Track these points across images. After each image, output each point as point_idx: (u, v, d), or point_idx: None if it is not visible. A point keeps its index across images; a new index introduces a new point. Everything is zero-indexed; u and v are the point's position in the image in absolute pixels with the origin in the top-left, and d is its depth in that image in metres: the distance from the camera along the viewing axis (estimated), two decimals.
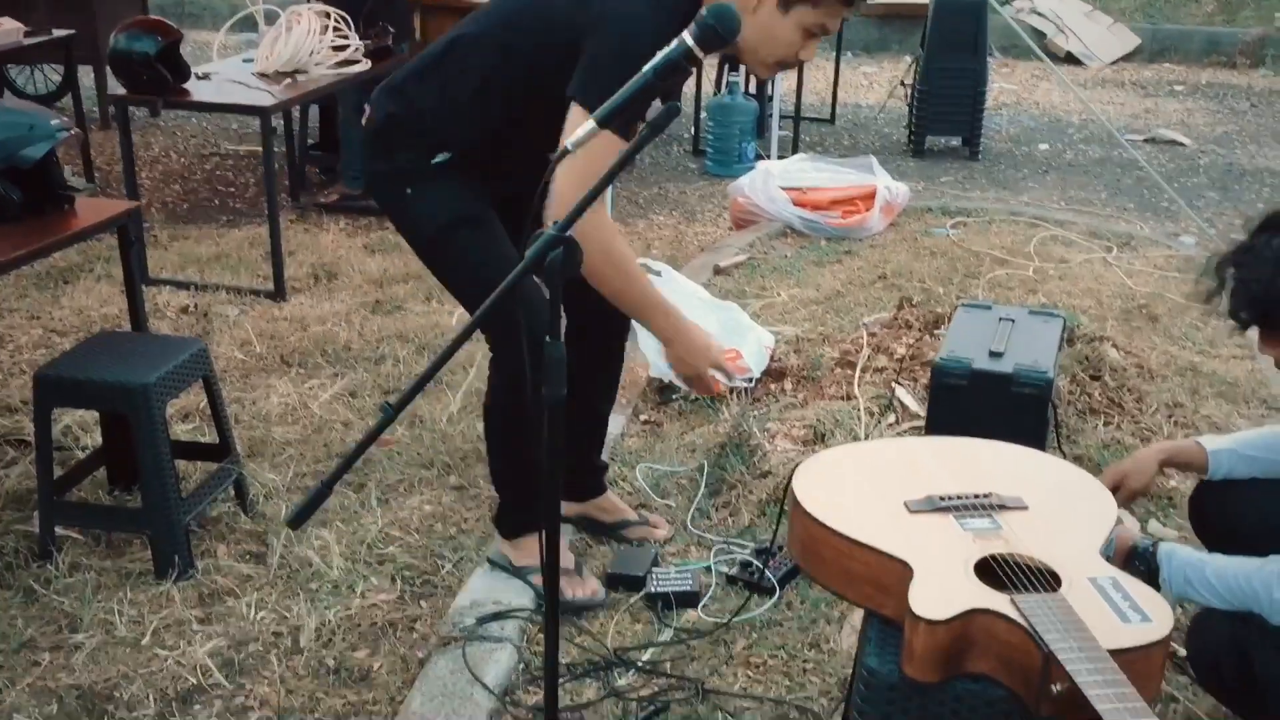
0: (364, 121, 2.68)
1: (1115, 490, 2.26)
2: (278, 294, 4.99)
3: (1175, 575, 2.06)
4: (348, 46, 5.49)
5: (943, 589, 1.63)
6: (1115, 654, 1.51)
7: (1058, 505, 1.86)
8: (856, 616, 2.66)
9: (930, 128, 7.63)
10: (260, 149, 7.40)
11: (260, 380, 4.23)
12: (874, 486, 1.91)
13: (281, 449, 3.73)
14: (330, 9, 5.48)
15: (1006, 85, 9.84)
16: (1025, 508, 1.84)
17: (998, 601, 1.60)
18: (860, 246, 5.36)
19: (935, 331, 3.70)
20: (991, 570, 1.70)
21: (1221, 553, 2.13)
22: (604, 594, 2.76)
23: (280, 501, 3.41)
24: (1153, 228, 6.15)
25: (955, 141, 7.78)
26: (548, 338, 1.81)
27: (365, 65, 5.51)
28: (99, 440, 3.51)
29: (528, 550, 2.82)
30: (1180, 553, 2.08)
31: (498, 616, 2.66)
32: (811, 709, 2.41)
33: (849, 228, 5.43)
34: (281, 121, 6.27)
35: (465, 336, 1.80)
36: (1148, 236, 5.78)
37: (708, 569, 2.87)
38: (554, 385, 1.82)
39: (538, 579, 2.79)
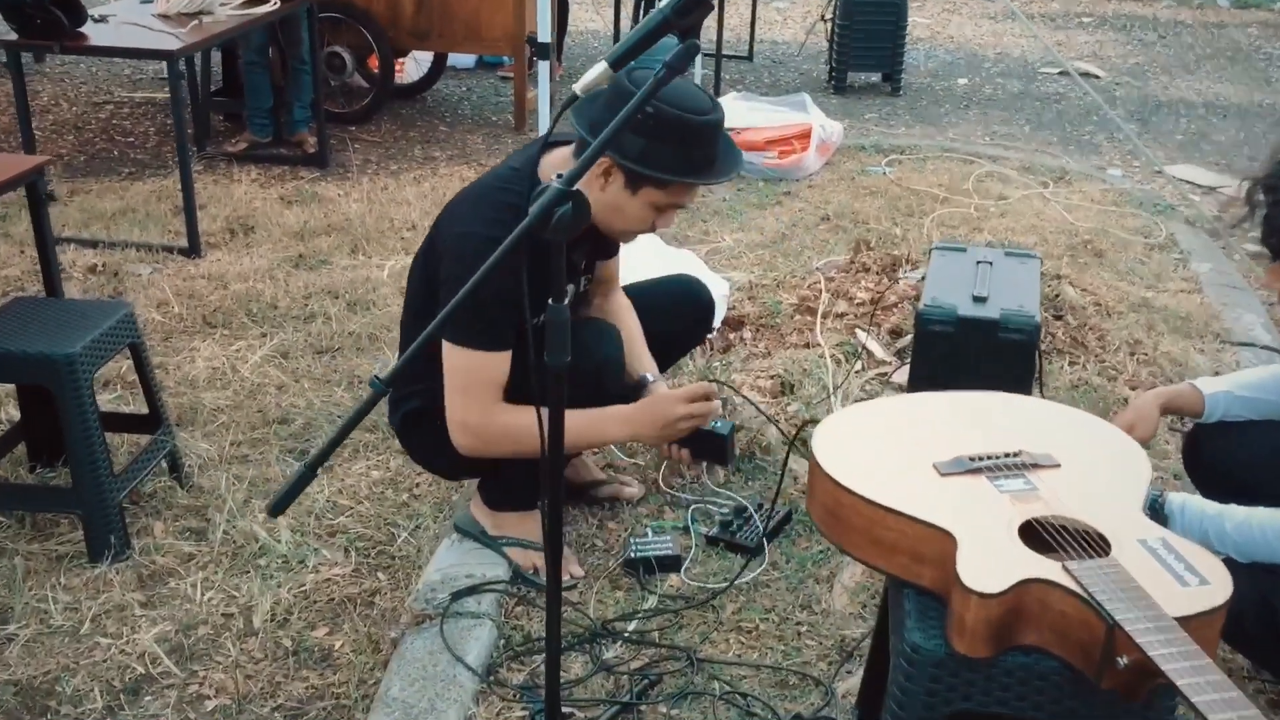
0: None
1: None
2: (192, 250, 4.73)
3: (1191, 528, 1.99)
4: None
5: (992, 559, 1.54)
6: (1179, 622, 1.43)
7: (1090, 462, 1.78)
8: (846, 575, 2.58)
9: (852, 63, 7.53)
10: (157, 95, 7.07)
11: (183, 343, 4.00)
12: (898, 448, 1.80)
13: (213, 416, 3.53)
14: None
15: (919, 19, 9.79)
16: (1058, 465, 1.75)
17: (1051, 570, 1.51)
18: (799, 187, 5.26)
19: (895, 275, 3.62)
20: (1035, 535, 1.61)
21: (1216, 497, 2.08)
22: (582, 571, 2.64)
23: (218, 473, 3.22)
24: (1078, 161, 6.15)
25: (876, 78, 7.71)
26: (550, 301, 1.68)
27: (274, 5, 5.21)
28: (14, 414, 3.27)
29: (505, 522, 2.68)
30: (1193, 504, 2.01)
31: (473, 591, 2.52)
32: (811, 675, 2.32)
33: (786, 168, 5.32)
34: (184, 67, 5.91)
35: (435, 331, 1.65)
36: (1081, 171, 5.78)
37: (685, 529, 2.76)
38: (557, 350, 1.69)
39: (513, 551, 2.65)
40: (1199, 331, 3.74)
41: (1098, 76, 8.13)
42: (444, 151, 6.32)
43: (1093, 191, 5.33)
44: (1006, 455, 1.76)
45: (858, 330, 3.37)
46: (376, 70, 6.78)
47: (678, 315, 2.84)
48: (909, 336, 3.35)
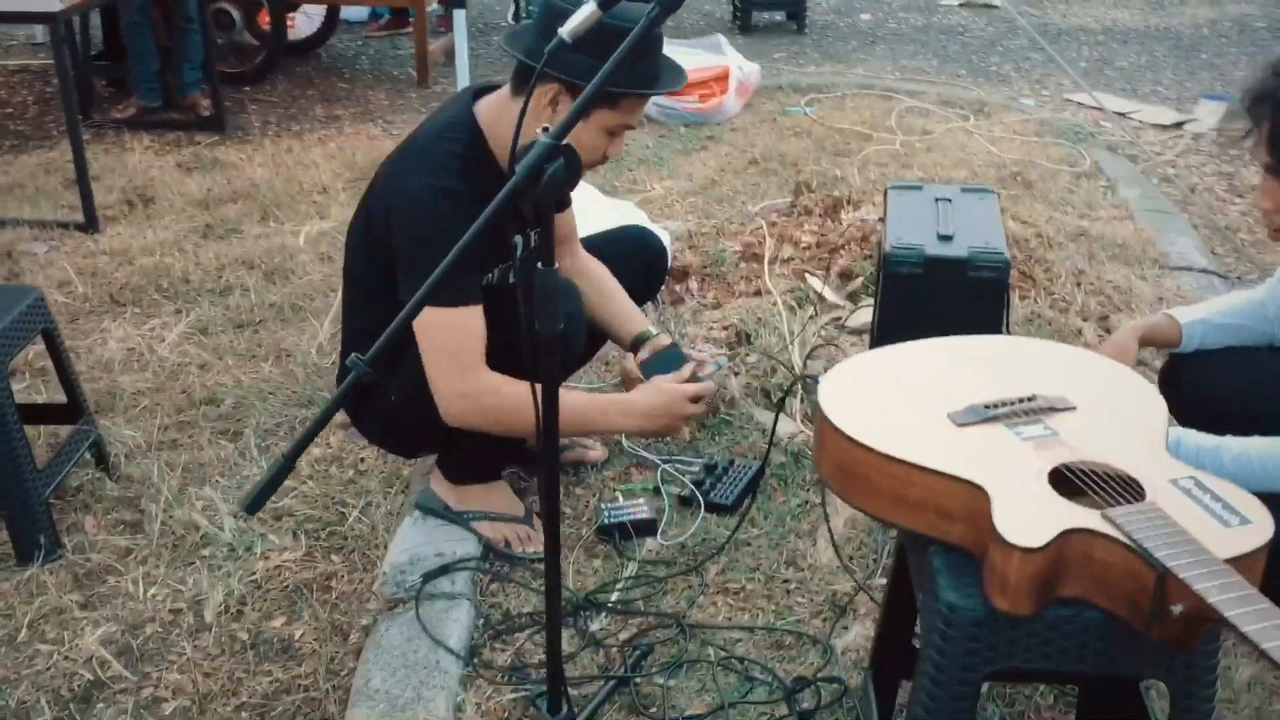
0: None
1: None
2: (89, 225, 4.47)
3: (1187, 462, 1.95)
4: None
5: (1029, 511, 1.47)
6: (1229, 563, 1.38)
7: (1105, 402, 1.72)
8: (828, 528, 2.52)
9: (756, 2, 7.43)
10: (33, 63, 6.66)
11: (91, 324, 3.77)
12: (907, 399, 1.73)
13: (134, 401, 3.34)
14: None
15: None
16: (1074, 408, 1.69)
17: (1092, 519, 1.45)
18: (721, 131, 5.16)
19: (838, 216, 3.55)
20: (1064, 482, 1.55)
21: (1196, 427, 2.05)
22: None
23: (148, 461, 3.03)
24: (990, 92, 6.16)
25: (780, 16, 7.62)
26: (540, 265, 1.56)
27: None
28: None
29: (469, 496, 2.55)
30: (1189, 438, 1.97)
31: (445, 570, 2.40)
32: (806, 633, 2.26)
33: (706, 112, 5.21)
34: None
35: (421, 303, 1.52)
36: (998, 102, 5.78)
37: (656, 490, 2.67)
38: (549, 317, 1.58)
39: (482, 525, 2.53)
40: (1137, 258, 3.75)
41: (996, 7, 8.16)
42: (347, 110, 6.07)
43: (1013, 122, 5.33)
44: (1020, 401, 1.69)
45: (807, 275, 3.30)
46: (267, 27, 6.48)
47: (633, 269, 2.73)
48: (860, 279, 3.30)
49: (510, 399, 2.24)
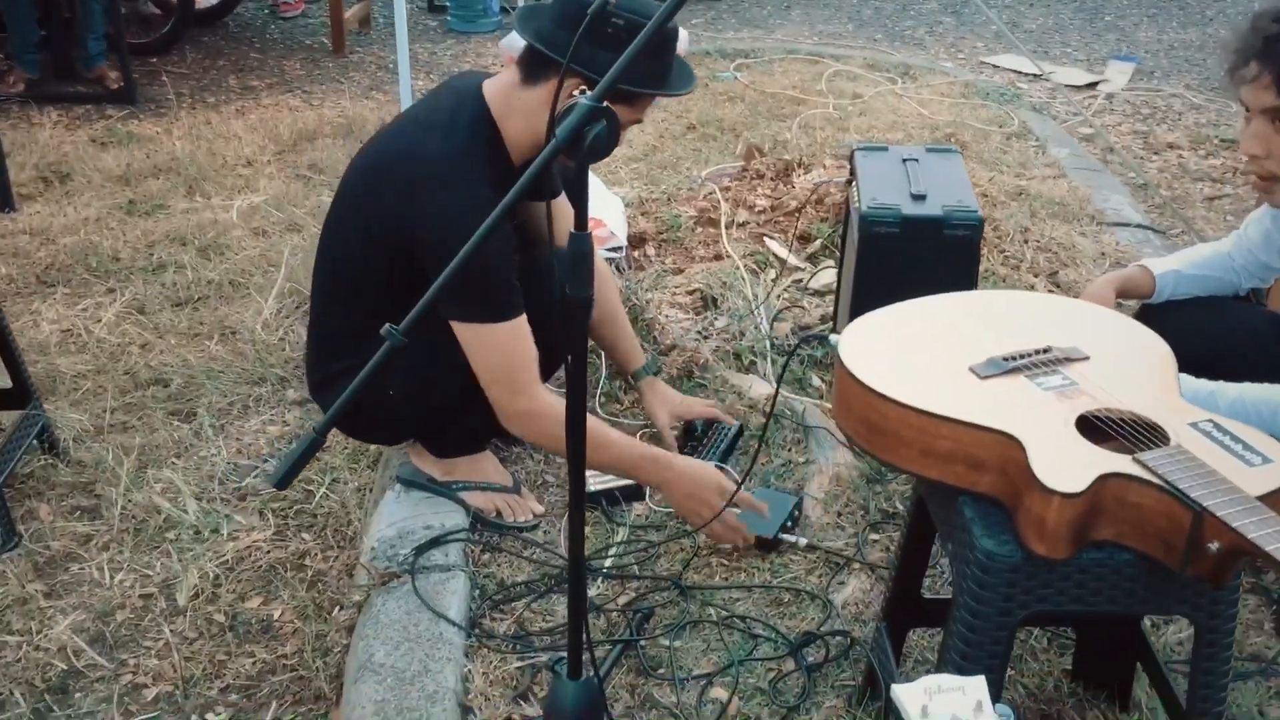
0: None
1: None
2: (4, 204, 4.29)
3: (1202, 396, 2.02)
4: None
5: (1064, 458, 1.51)
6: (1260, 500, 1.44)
7: (1116, 351, 1.77)
8: (814, 485, 2.55)
9: None
10: None
11: (20, 306, 3.63)
12: (926, 353, 1.75)
13: (76, 383, 3.23)
14: None
15: None
16: (1087, 358, 1.73)
17: (1125, 463, 1.50)
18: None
19: (790, 179, 3.57)
20: (1091, 429, 1.59)
21: None
22: (541, 508, 2.51)
23: (100, 445, 2.95)
24: (908, 56, 6.24)
25: None
26: (573, 230, 1.54)
27: None
28: None
29: (455, 467, 2.52)
30: (1187, 384, 2.01)
31: (436, 543, 2.37)
32: (805, 590, 2.28)
33: None
34: None
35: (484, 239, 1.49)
36: (921, 65, 5.86)
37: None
38: (581, 284, 1.55)
39: (473, 496, 2.50)
40: (1075, 215, 3.85)
41: None
42: (262, 80, 5.91)
43: (939, 85, 5.42)
44: (1037, 352, 1.73)
45: (765, 238, 3.31)
46: None
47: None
48: (819, 241, 3.33)
49: (558, 423, 2.22)
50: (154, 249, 3.98)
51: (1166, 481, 1.46)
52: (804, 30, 6.80)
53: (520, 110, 2.19)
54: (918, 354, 1.76)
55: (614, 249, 3.22)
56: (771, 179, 3.61)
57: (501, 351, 2.20)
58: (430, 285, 2.14)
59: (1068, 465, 1.49)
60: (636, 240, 3.47)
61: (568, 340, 1.58)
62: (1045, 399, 1.64)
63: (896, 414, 1.62)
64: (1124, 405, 1.63)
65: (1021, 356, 1.72)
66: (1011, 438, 1.54)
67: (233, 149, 4.85)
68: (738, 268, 3.19)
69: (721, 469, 2.45)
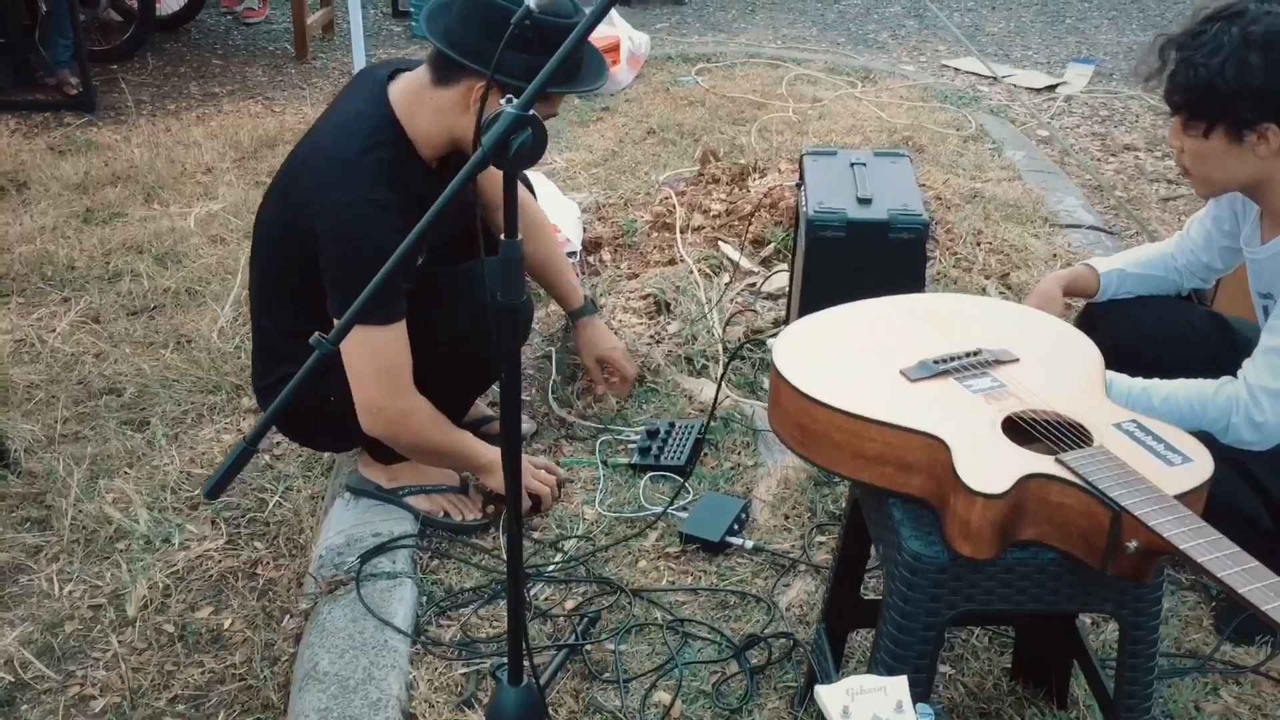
0: None
1: None
2: None
3: (1118, 403, 2.05)
4: None
5: (988, 459, 1.53)
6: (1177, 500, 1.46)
7: (1045, 353, 1.79)
8: (763, 488, 2.57)
9: None
10: None
11: None
12: (859, 357, 1.77)
13: (28, 394, 3.21)
14: None
15: None
16: (1017, 360, 1.76)
17: (1047, 464, 1.52)
18: (615, 102, 5.16)
19: (745, 184, 3.59)
20: (1016, 431, 1.61)
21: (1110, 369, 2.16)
22: (485, 513, 2.52)
23: (50, 455, 2.93)
24: (869, 59, 6.27)
25: None
26: (502, 237, 1.55)
27: None
28: None
29: (400, 472, 2.53)
30: (1119, 381, 2.07)
31: (382, 549, 2.37)
32: (750, 593, 2.30)
33: None
34: None
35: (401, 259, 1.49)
36: (881, 69, 5.89)
37: (604, 463, 2.67)
38: (512, 288, 1.56)
39: (417, 500, 2.50)
40: (1029, 217, 3.88)
41: None
42: (223, 87, 5.89)
43: (898, 89, 5.45)
44: (968, 355, 1.75)
45: (719, 242, 3.33)
46: (133, 3, 6.23)
47: None
48: (772, 245, 3.34)
49: (433, 423, 2.35)
50: (110, 258, 3.96)
51: (1087, 481, 1.48)
52: (768, 34, 6.83)
53: (432, 109, 2.21)
54: (851, 357, 1.77)
55: (568, 254, 3.23)
56: (727, 183, 3.62)
57: (386, 352, 2.23)
58: (325, 282, 2.16)
59: (991, 466, 1.51)
60: (592, 245, 3.48)
61: (499, 347, 1.59)
62: (973, 401, 1.66)
63: (826, 417, 1.64)
64: (1050, 407, 1.65)
65: (952, 359, 1.74)
66: (938, 439, 1.56)
67: (192, 156, 4.83)
68: (691, 272, 3.20)
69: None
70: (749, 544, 2.38)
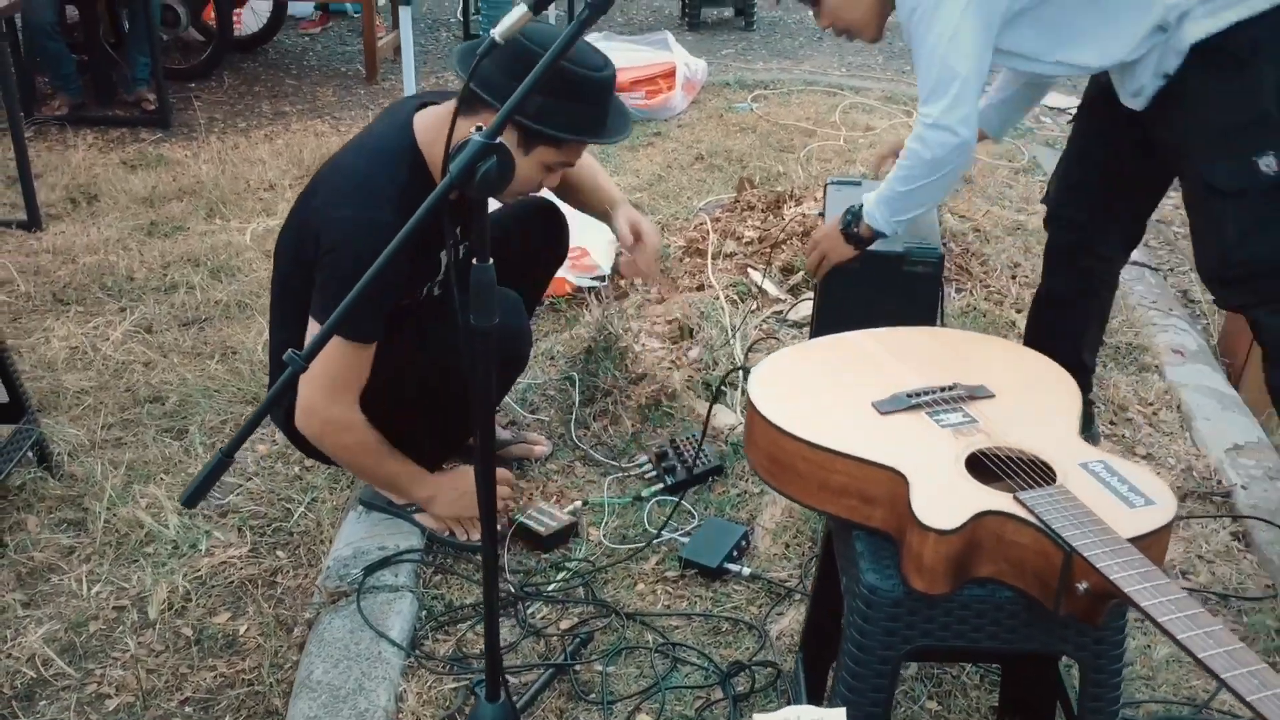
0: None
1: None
2: (32, 223, 4.44)
3: (879, 210, 2.41)
4: None
5: (944, 495, 1.53)
6: (1132, 542, 1.45)
7: (1022, 390, 1.78)
8: (766, 516, 2.57)
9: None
10: None
11: (34, 323, 3.75)
12: (834, 389, 1.78)
13: (78, 399, 3.33)
14: None
15: None
16: (993, 396, 1.75)
17: (1004, 501, 1.51)
18: (668, 127, 5.20)
19: (780, 211, 3.60)
20: (981, 467, 1.61)
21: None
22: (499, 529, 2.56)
23: (91, 459, 3.03)
24: None
25: (728, 13, 7.68)
26: (474, 261, 1.59)
27: None
28: None
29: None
30: (870, 195, 2.42)
31: (386, 563, 2.42)
32: (742, 619, 2.31)
33: (654, 108, 5.26)
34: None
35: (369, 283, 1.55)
36: None
37: (638, 498, 2.70)
38: (485, 311, 1.61)
39: (424, 517, 2.56)
40: None
41: None
42: (294, 106, 6.06)
43: None
44: (942, 389, 1.75)
45: (749, 269, 3.35)
46: (213, 22, 6.45)
47: (530, 233, 2.77)
48: (801, 273, 3.35)
49: (362, 445, 2.39)
50: (168, 270, 4.09)
51: (1041, 520, 1.48)
52: (833, 62, 6.83)
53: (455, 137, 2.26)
54: (826, 390, 1.79)
55: (597, 278, 3.27)
56: (762, 211, 3.64)
57: (340, 364, 2.27)
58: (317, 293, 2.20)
59: (946, 502, 1.51)
60: None
61: (471, 368, 1.63)
62: (941, 436, 1.66)
63: (793, 448, 1.65)
64: (1018, 444, 1.64)
65: (926, 393, 1.74)
66: (898, 473, 1.57)
67: (256, 173, 4.98)
68: (718, 298, 3.23)
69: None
70: (746, 571, 2.39)
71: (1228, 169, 2.21)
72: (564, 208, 2.83)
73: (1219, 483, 2.74)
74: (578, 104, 2.18)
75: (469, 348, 1.62)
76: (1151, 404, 3.07)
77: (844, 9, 2.53)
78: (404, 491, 2.54)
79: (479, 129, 1.52)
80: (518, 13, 1.45)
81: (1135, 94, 2.33)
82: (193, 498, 1.60)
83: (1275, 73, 2.19)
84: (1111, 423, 2.99)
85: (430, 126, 2.31)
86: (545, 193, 2.69)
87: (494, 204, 2.95)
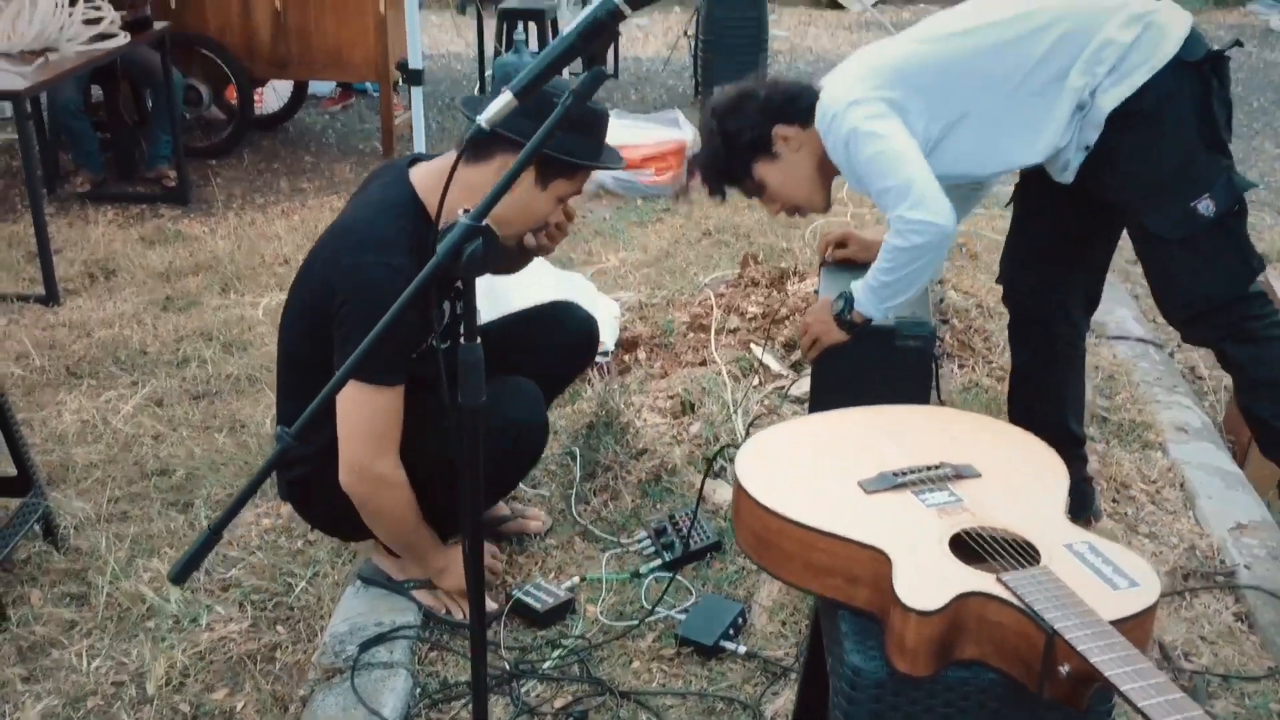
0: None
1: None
2: (50, 298, 4.51)
3: (867, 299, 2.44)
4: (101, 19, 4.96)
5: (927, 575, 1.53)
6: (1114, 625, 1.44)
7: (1010, 470, 1.79)
8: (764, 594, 2.57)
9: (716, 78, 7.58)
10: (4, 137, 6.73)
11: (47, 396, 3.80)
12: (821, 467, 1.79)
13: (86, 473, 3.36)
14: None
15: (778, 33, 9.94)
16: (979, 475, 1.76)
17: (987, 582, 1.51)
18: (677, 203, 5.26)
19: (784, 287, 3.63)
20: (965, 547, 1.61)
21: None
22: (494, 607, 2.56)
23: (97, 533, 3.05)
24: None
25: None
26: (463, 340, 1.62)
27: (123, 39, 5.01)
28: None
29: (408, 564, 2.58)
30: (856, 283, 2.45)
31: (382, 639, 2.42)
32: (738, 699, 2.29)
33: (663, 185, 5.32)
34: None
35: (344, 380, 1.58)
36: None
37: (635, 574, 2.69)
38: (472, 391, 1.63)
39: (422, 594, 2.56)
40: None
41: None
42: (311, 183, 6.16)
43: None
44: (929, 468, 1.76)
45: (752, 345, 3.37)
46: (234, 101, 6.59)
47: (556, 351, 2.77)
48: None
49: (408, 502, 2.38)
50: (181, 344, 4.14)
51: (1023, 602, 1.48)
52: None
53: (459, 185, 2.27)
54: (812, 468, 1.80)
55: (601, 354, 3.30)
56: (765, 286, 3.68)
57: (376, 412, 2.27)
58: (335, 340, 2.22)
59: (930, 583, 1.51)
60: (629, 344, 3.55)
61: (457, 447, 1.65)
62: (926, 515, 1.66)
63: (779, 526, 1.66)
64: (1003, 524, 1.64)
65: (912, 472, 1.75)
66: (882, 553, 1.57)
67: (271, 248, 5.05)
68: (720, 373, 3.24)
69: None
70: (742, 649, 2.38)
71: (1169, 220, 2.31)
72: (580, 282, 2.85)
73: (1222, 562, 2.72)
74: (586, 133, 2.29)
75: (455, 426, 1.64)
76: (1154, 481, 3.06)
77: (786, 189, 2.61)
78: (422, 558, 2.52)
79: (466, 212, 1.55)
80: (504, 99, 1.49)
81: (1063, 169, 2.42)
82: (181, 574, 1.61)
83: (1190, 115, 2.28)
84: (1114, 500, 2.97)
85: (430, 175, 2.36)
86: (576, 299, 2.77)
87: (532, 284, 3.02)
